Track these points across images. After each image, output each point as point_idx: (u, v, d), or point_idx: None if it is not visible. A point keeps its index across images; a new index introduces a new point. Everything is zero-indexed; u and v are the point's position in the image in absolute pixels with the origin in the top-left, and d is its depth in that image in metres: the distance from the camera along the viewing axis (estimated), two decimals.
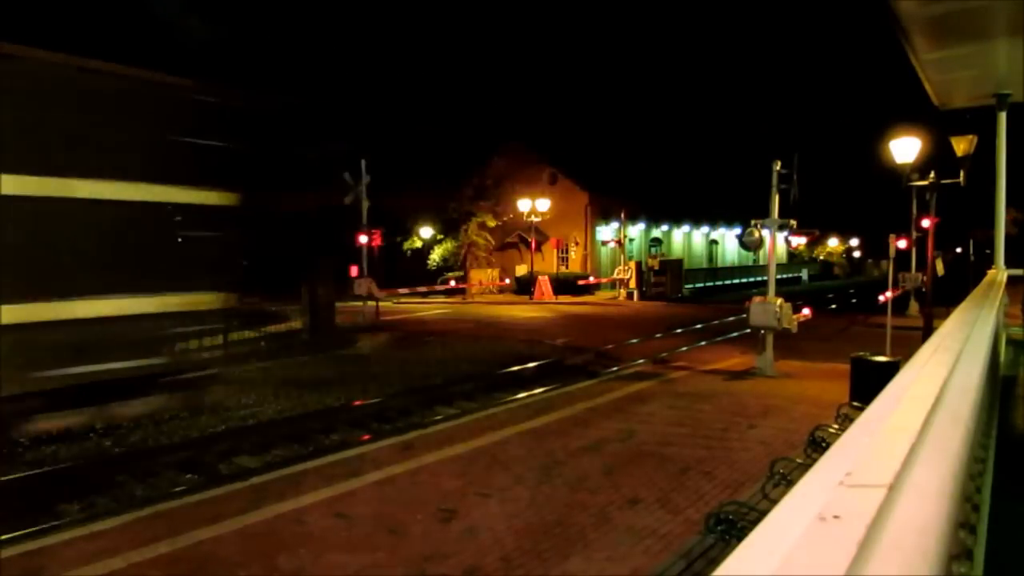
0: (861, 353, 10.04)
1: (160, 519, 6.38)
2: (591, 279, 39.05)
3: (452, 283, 36.72)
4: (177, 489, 8.21)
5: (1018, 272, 9.95)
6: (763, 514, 1.02)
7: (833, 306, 35.26)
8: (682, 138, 58.50)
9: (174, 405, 11.30)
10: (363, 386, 14.05)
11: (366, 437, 10.49)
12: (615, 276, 37.25)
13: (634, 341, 19.91)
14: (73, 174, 9.45)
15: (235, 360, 14.99)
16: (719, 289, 48.35)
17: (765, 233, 13.89)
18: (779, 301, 13.73)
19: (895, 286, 18.12)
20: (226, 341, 17.27)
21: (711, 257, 57.33)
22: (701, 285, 47.06)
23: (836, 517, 0.88)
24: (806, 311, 15.43)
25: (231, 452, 9.82)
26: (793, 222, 14.03)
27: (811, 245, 66.15)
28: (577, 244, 42.85)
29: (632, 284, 36.38)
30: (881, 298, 18.59)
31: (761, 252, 28.29)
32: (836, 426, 7.97)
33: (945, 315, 4.58)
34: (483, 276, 40.75)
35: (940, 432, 1.28)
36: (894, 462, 1.07)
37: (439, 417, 11.52)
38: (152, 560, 5.53)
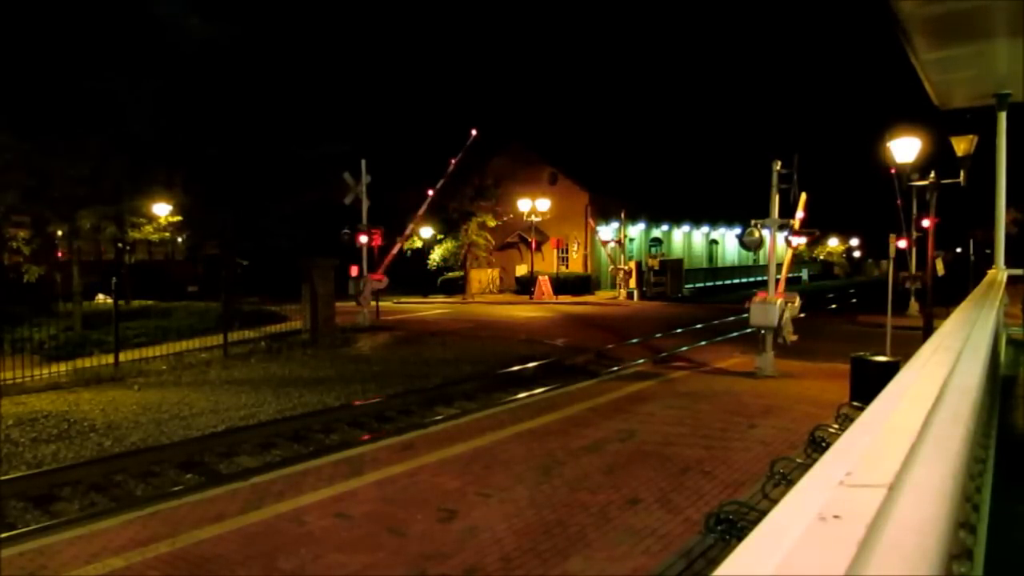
0: (861, 353, 10.04)
1: (160, 519, 6.38)
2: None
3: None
4: (177, 489, 8.21)
5: (1018, 272, 9.94)
6: (763, 514, 1.02)
7: (833, 306, 35.26)
8: (682, 138, 58.52)
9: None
10: (363, 386, 14.05)
11: (366, 437, 10.49)
12: (615, 269, 37.35)
13: (634, 341, 19.92)
14: None
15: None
16: (719, 289, 48.33)
17: (765, 233, 13.89)
18: (779, 301, 13.73)
19: (903, 281, 18.19)
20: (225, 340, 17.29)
21: (711, 257, 57.32)
22: (701, 285, 47.05)
23: (836, 517, 0.88)
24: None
25: (231, 452, 9.82)
26: (793, 222, 14.04)
27: (811, 245, 66.14)
28: (578, 244, 42.86)
29: (632, 284, 36.40)
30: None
31: (761, 252, 28.31)
32: (836, 426, 7.97)
33: (945, 315, 4.59)
34: (483, 276, 40.75)
35: (940, 432, 1.28)
36: (894, 462, 1.07)
37: (439, 417, 11.52)
38: (152, 560, 5.53)
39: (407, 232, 26.99)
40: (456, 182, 33.49)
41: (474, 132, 28.60)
